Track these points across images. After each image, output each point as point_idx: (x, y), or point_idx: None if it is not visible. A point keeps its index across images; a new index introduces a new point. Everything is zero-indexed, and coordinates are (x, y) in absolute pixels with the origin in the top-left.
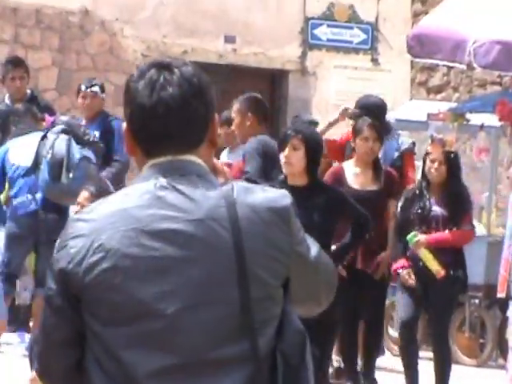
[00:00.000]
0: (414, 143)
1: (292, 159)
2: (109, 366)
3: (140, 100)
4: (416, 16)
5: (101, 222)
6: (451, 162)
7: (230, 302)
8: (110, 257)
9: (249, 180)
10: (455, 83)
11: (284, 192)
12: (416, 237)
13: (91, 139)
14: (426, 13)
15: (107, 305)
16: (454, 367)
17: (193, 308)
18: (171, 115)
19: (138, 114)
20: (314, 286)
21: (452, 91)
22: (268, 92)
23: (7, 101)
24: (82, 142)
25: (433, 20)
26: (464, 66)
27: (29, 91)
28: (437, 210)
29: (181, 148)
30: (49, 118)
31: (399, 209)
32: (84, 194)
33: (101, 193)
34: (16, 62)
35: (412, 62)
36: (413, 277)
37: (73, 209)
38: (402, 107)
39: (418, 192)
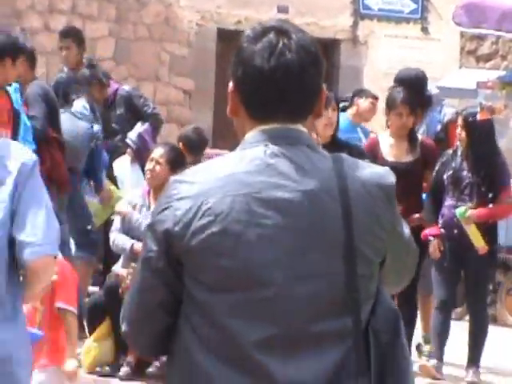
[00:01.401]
0: (457, 113)
1: (334, 120)
2: (209, 333)
3: (257, 63)
4: None
5: (208, 184)
6: (470, 127)
7: (335, 276)
8: (220, 221)
9: None
10: (503, 52)
11: (388, 169)
12: (467, 212)
13: (149, 111)
14: None
15: (214, 270)
16: (503, 329)
17: (301, 279)
18: (290, 81)
19: (253, 76)
20: (403, 266)
21: (500, 60)
22: None
23: (65, 69)
24: (139, 113)
25: None
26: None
27: (85, 60)
28: (467, 175)
29: (292, 116)
30: (114, 85)
31: (434, 172)
32: (160, 151)
33: (174, 149)
34: (63, 33)
35: (461, 31)
36: (440, 249)
37: (148, 166)
38: (452, 76)
39: (451, 155)
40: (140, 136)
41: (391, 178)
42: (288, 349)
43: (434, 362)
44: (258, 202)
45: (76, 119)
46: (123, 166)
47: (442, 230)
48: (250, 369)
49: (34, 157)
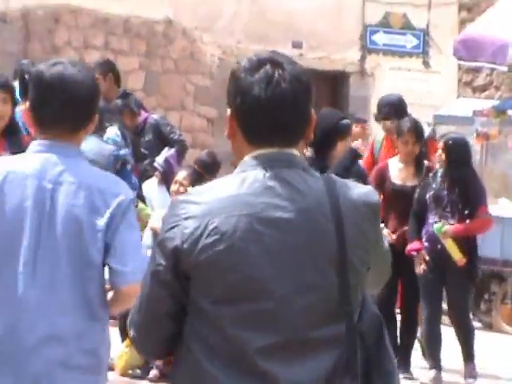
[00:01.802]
0: (433, 130)
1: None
2: (214, 342)
3: (255, 92)
4: (463, 23)
5: (213, 205)
6: (448, 149)
7: (329, 288)
8: (226, 239)
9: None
10: (497, 83)
11: (372, 188)
12: (443, 227)
13: (175, 137)
14: (472, 20)
15: (220, 284)
16: (497, 336)
17: (298, 291)
18: (285, 109)
19: (250, 104)
20: (382, 273)
21: (495, 90)
22: (331, 92)
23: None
24: (167, 139)
25: (477, 27)
26: (504, 68)
27: (121, 90)
28: (447, 194)
29: (287, 141)
30: (144, 114)
31: (417, 194)
32: (183, 174)
33: (195, 172)
34: (95, 65)
35: (459, 64)
36: (424, 265)
37: (172, 188)
38: (450, 105)
39: (432, 178)
40: (166, 160)
41: (376, 196)
42: (288, 354)
43: (432, 373)
44: (260, 221)
45: (102, 142)
46: (151, 187)
47: (426, 243)
48: (255, 373)
49: (131, 193)
